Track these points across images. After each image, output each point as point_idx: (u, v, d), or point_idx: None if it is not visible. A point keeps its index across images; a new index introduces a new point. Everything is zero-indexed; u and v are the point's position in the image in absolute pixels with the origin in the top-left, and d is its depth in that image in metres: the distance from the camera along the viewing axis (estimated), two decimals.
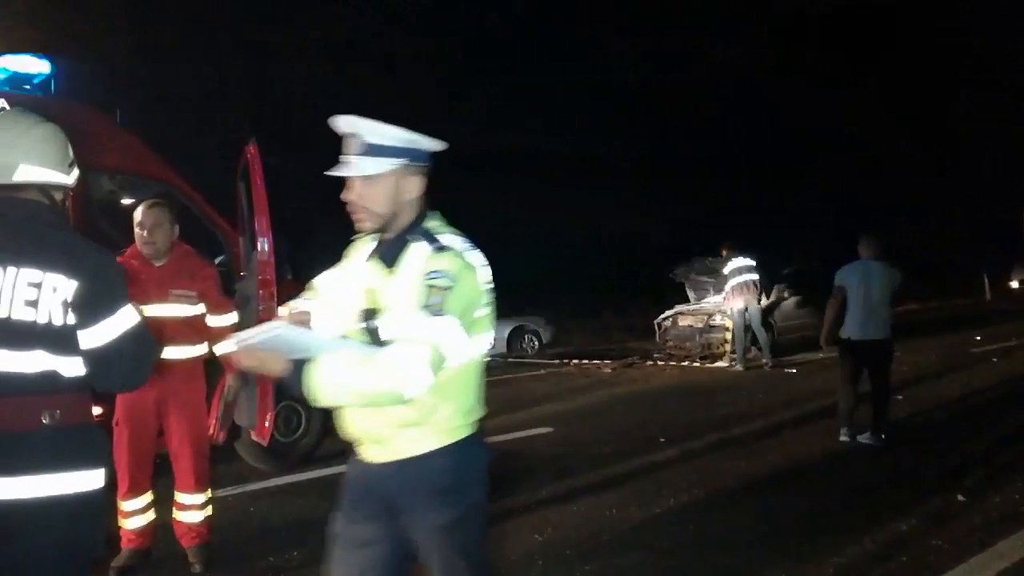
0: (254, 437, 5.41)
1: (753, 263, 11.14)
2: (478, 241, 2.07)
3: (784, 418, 7.11)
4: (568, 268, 27.85)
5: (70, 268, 1.97)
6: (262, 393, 5.12)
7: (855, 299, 6.07)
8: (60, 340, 1.95)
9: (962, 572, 3.42)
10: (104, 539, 2.13)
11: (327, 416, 6.49)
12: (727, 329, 11.96)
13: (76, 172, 2.28)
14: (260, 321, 5.08)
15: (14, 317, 1.91)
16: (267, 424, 5.17)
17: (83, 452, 2.01)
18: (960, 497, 4.40)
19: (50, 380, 1.94)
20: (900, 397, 7.83)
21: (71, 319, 1.96)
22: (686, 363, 12.18)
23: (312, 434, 6.39)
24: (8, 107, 4.02)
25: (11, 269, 1.93)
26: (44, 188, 2.12)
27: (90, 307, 1.97)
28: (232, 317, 4.30)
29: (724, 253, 11.49)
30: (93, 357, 1.99)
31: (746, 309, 11.06)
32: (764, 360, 11.18)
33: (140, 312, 2.13)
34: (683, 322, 13.19)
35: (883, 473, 5.11)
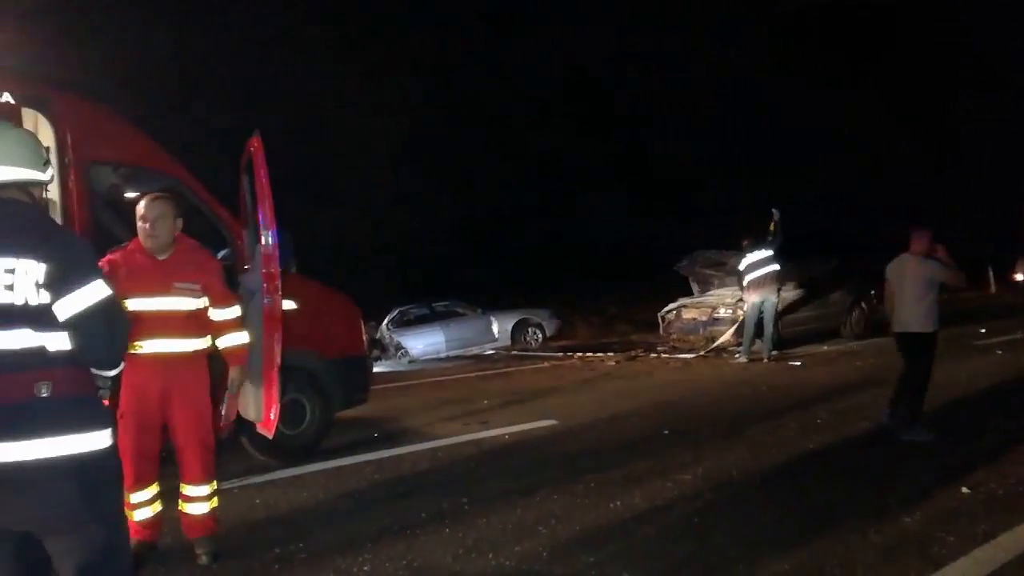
0: (259, 430, 5.42)
1: (772, 254, 11.08)
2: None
3: (788, 411, 7.11)
4: (573, 262, 27.93)
5: (39, 252, 2.24)
6: (267, 386, 5.13)
7: (895, 292, 6.18)
8: (40, 318, 2.22)
9: (967, 564, 3.43)
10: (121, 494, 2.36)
11: (332, 409, 6.52)
12: (735, 322, 11.99)
13: (51, 170, 2.52)
14: (266, 314, 5.11)
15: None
16: (272, 417, 5.18)
17: (83, 418, 2.25)
18: (965, 490, 4.40)
19: (39, 355, 2.21)
20: None
21: (45, 298, 2.23)
22: (690, 356, 12.17)
23: (317, 426, 6.41)
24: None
25: None
26: (23, 186, 2.38)
27: (60, 283, 2.24)
28: (236, 310, 4.31)
29: (745, 244, 11.38)
30: (69, 328, 2.25)
31: (762, 302, 11.05)
32: (763, 355, 11.15)
33: (111, 288, 2.38)
34: (687, 315, 13.19)
35: (887, 465, 5.11)
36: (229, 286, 4.46)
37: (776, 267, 11.11)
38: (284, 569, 3.86)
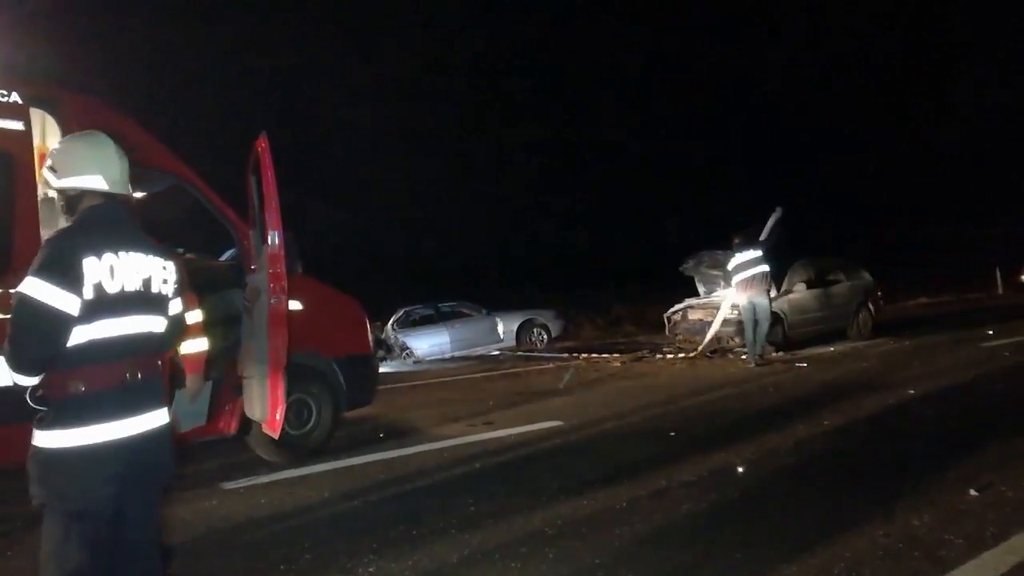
0: (265, 430, 5.43)
1: (761, 254, 10.89)
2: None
3: (794, 412, 7.08)
4: (579, 261, 27.92)
5: (173, 257, 2.70)
6: (273, 386, 5.14)
7: None
8: (167, 308, 2.67)
9: (975, 567, 3.41)
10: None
11: (338, 409, 6.53)
12: (740, 323, 11.94)
13: None
14: (272, 315, 5.11)
15: (160, 292, 2.61)
16: (278, 417, 5.19)
17: (164, 394, 2.66)
18: (973, 492, 4.38)
19: (160, 338, 2.64)
20: (912, 391, 7.79)
21: (173, 293, 2.68)
22: (680, 356, 12.13)
23: (323, 426, 6.41)
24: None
25: (150, 257, 2.58)
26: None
27: (179, 284, 2.72)
28: (193, 315, 4.14)
29: (736, 242, 11.15)
30: (175, 321, 2.71)
31: (754, 305, 10.83)
32: (750, 360, 10.91)
33: None
34: (693, 316, 13.16)
35: (895, 468, 5.09)
36: (192, 289, 4.26)
37: (766, 268, 10.88)
38: (289, 569, 3.85)
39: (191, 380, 4.19)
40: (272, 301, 5.12)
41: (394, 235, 28.71)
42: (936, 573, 3.35)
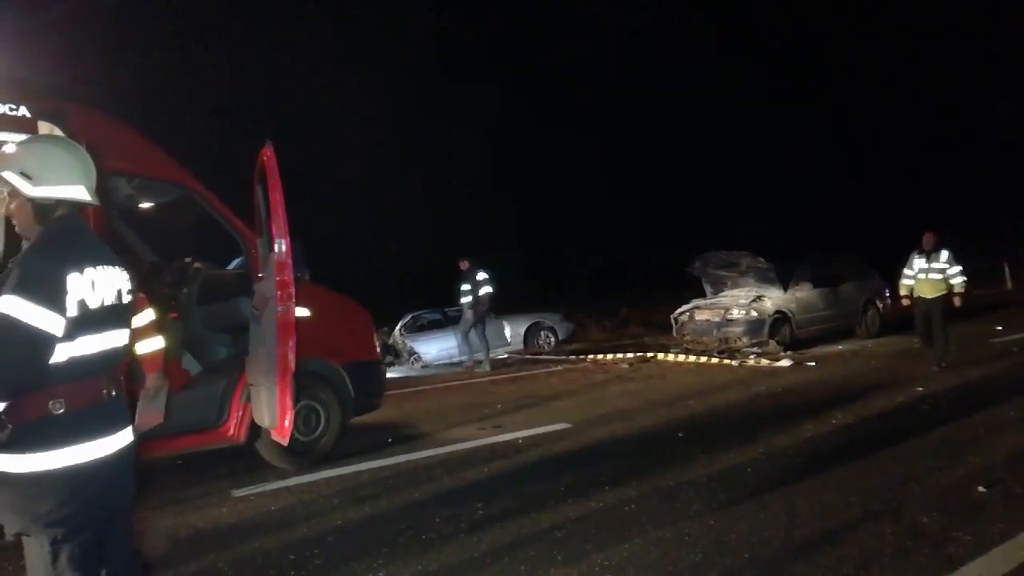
0: (274, 436, 5.46)
1: (487, 276, 12.57)
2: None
3: (803, 411, 7.08)
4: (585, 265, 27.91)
5: (127, 265, 2.58)
6: (282, 393, 5.17)
7: None
8: (131, 319, 2.59)
9: (984, 563, 3.41)
10: None
11: (346, 415, 6.55)
12: (748, 323, 12.09)
13: None
14: (280, 322, 5.15)
15: (126, 304, 2.52)
16: (287, 423, 5.22)
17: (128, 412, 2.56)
18: (981, 489, 4.37)
19: (125, 350, 2.55)
20: (920, 389, 7.78)
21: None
22: (704, 358, 12.13)
23: (331, 433, 6.43)
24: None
25: (110, 268, 2.47)
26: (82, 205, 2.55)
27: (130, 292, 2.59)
28: (147, 315, 4.10)
29: (466, 266, 12.73)
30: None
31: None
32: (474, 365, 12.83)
33: None
34: (700, 316, 13.16)
35: (903, 466, 5.08)
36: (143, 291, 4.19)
37: (489, 288, 12.68)
38: (300, 575, 3.88)
39: (152, 379, 4.04)
40: (280, 308, 5.15)
41: (401, 240, 28.77)
42: (945, 570, 3.36)
